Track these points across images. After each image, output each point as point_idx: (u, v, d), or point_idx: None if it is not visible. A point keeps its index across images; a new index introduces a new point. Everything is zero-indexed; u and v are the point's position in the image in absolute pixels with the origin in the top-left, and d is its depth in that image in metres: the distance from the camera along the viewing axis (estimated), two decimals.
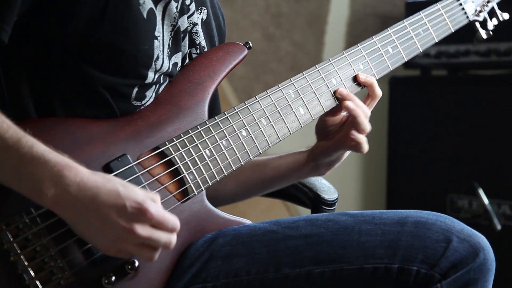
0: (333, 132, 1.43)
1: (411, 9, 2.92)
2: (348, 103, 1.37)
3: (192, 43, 1.36)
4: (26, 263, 1.09)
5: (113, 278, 1.14)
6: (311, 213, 1.59)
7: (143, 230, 1.06)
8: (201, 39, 1.37)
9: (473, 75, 3.05)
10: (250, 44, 1.38)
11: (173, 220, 1.09)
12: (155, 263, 1.19)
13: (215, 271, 1.23)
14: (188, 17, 1.33)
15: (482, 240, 1.22)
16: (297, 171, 1.49)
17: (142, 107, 1.26)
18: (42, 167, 1.05)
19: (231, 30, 1.86)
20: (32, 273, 1.09)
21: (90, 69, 1.19)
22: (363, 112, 1.38)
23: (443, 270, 1.19)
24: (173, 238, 1.10)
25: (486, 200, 2.79)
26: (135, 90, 1.24)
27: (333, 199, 1.59)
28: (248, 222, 1.32)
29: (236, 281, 1.23)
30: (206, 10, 1.39)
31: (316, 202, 1.59)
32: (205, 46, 1.39)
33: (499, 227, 2.76)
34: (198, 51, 1.37)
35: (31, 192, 1.06)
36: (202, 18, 1.38)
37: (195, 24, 1.35)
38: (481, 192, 2.80)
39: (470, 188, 2.83)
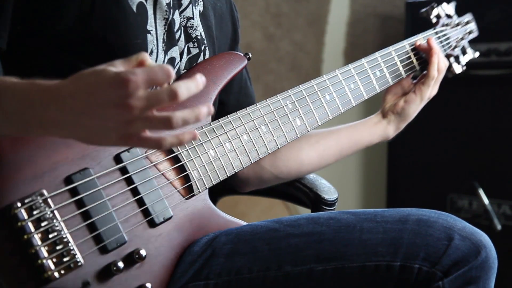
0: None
1: (411, 9, 2.93)
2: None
3: (189, 38, 1.37)
4: (39, 243, 1.08)
5: (122, 265, 1.15)
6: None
7: (137, 100, 0.93)
8: (198, 32, 1.38)
9: (473, 75, 3.04)
10: (250, 55, 1.42)
11: (160, 67, 0.94)
12: (160, 257, 1.20)
13: (217, 269, 1.24)
14: (181, 13, 1.34)
15: (484, 238, 1.23)
16: (369, 134, 1.60)
17: None
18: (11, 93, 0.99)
19: None
20: (45, 253, 1.08)
21: (85, 66, 1.18)
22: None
23: (445, 268, 1.19)
24: (173, 86, 0.93)
25: (486, 200, 2.79)
26: None
27: (333, 199, 1.59)
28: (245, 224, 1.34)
29: (238, 278, 1.23)
30: (202, 2, 1.41)
31: (316, 202, 1.59)
32: (205, 38, 1.40)
33: (499, 227, 2.76)
34: (196, 44, 1.38)
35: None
36: (200, 10, 1.39)
37: (189, 18, 1.36)
38: (481, 192, 2.81)
39: (470, 188, 2.83)
